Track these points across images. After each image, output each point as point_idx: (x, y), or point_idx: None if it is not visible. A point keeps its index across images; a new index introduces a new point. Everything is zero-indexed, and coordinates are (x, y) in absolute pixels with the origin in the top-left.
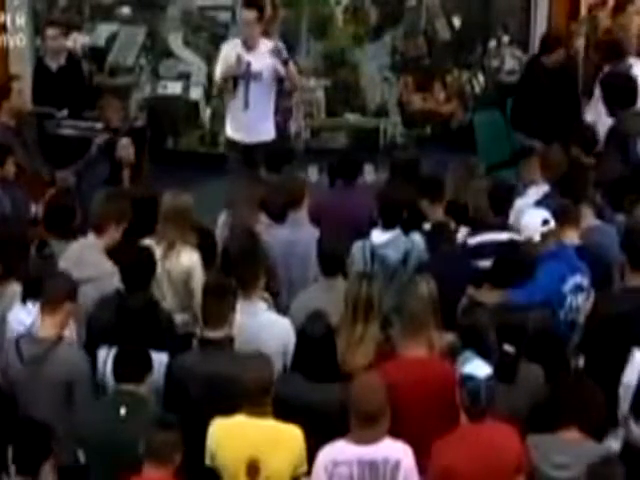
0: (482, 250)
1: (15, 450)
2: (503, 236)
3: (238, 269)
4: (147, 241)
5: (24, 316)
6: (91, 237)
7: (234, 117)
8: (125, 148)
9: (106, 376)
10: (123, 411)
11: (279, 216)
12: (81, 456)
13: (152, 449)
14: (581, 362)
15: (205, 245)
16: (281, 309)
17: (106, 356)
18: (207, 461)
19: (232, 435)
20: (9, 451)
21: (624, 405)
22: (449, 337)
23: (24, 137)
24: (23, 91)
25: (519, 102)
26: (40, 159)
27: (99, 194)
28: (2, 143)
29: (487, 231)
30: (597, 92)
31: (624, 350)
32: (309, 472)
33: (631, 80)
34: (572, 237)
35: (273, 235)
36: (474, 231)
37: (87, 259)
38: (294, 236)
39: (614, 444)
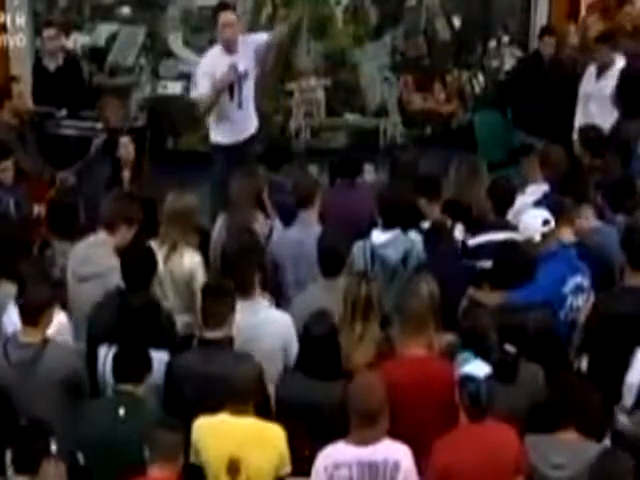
0: (482, 250)
1: (14, 448)
2: (501, 236)
3: (237, 267)
4: (150, 242)
5: (17, 318)
6: (102, 234)
7: (227, 119)
8: (125, 147)
9: (106, 375)
10: (122, 411)
11: (289, 217)
12: (80, 457)
13: (160, 450)
14: (583, 363)
15: (201, 246)
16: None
17: (106, 355)
18: (192, 458)
19: (214, 433)
20: (7, 453)
21: (627, 404)
22: (448, 337)
23: (25, 138)
24: (23, 93)
25: (517, 98)
26: (40, 160)
27: (108, 195)
28: (3, 140)
29: (487, 231)
30: (581, 91)
31: (626, 350)
32: (308, 473)
33: None
34: (568, 235)
35: (281, 235)
36: (474, 231)
37: (93, 256)
38: (302, 236)
39: None
